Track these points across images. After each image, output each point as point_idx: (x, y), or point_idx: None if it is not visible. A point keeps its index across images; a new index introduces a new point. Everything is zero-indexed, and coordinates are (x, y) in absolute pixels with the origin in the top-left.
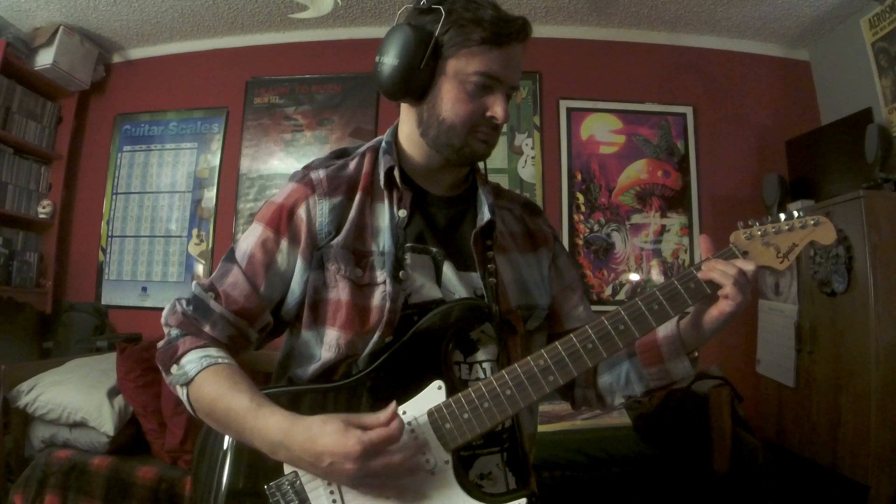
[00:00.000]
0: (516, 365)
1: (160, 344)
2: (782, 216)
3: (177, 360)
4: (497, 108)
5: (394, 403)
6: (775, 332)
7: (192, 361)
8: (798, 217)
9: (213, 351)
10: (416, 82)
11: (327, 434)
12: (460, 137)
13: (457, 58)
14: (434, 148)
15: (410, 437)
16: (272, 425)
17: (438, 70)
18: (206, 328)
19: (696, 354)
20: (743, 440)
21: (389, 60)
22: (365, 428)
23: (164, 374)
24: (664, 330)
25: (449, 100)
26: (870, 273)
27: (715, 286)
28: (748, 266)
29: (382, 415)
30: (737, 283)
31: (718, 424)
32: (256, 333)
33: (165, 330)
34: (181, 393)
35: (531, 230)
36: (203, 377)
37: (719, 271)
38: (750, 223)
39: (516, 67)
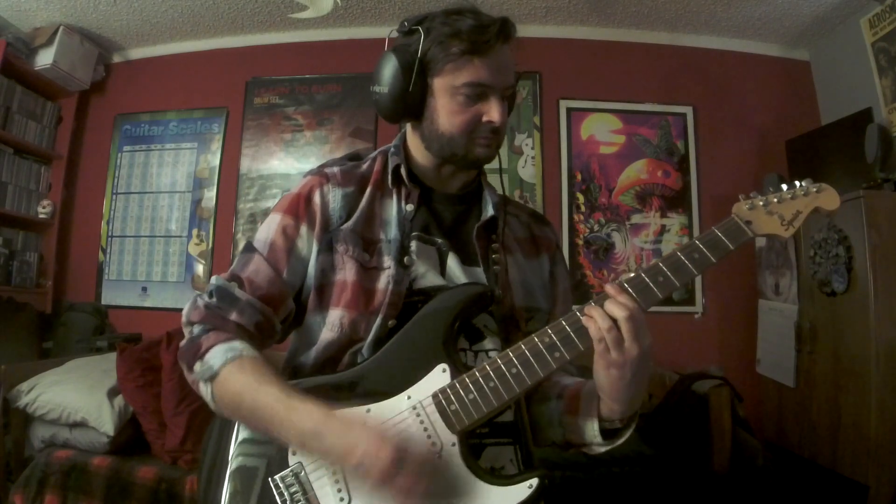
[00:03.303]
0: (521, 343)
1: (182, 343)
2: (784, 186)
3: (201, 357)
4: (493, 113)
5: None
6: (775, 332)
7: (216, 356)
8: (801, 186)
9: (237, 344)
10: (409, 105)
11: (367, 432)
12: (462, 146)
13: (443, 74)
14: (441, 159)
15: (416, 421)
16: (305, 416)
17: (429, 89)
18: (233, 316)
19: (619, 426)
20: (743, 440)
21: (381, 89)
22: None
23: (186, 372)
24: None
25: (444, 114)
26: (870, 273)
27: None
28: (622, 313)
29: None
30: (602, 340)
31: (718, 424)
32: (280, 323)
33: (186, 330)
34: (205, 390)
35: (535, 235)
36: (229, 370)
37: (594, 324)
38: (752, 195)
39: (506, 68)
